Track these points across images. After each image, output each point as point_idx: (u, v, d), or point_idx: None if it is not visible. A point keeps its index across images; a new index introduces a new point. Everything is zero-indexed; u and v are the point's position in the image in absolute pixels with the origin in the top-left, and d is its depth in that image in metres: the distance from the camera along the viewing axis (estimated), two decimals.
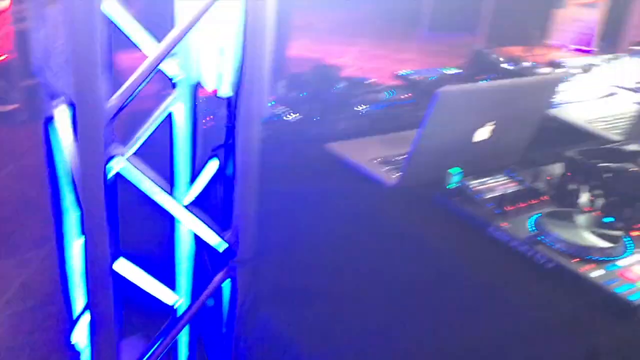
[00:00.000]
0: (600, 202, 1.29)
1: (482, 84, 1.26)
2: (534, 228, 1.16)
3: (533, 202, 1.28)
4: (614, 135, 1.90)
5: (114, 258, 0.94)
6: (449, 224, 1.24)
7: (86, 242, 0.90)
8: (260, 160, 1.01)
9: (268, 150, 1.02)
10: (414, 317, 1.00)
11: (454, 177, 1.25)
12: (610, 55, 2.43)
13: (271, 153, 1.07)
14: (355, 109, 1.76)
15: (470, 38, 4.31)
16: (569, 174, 1.38)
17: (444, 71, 2.14)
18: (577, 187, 1.32)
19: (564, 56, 2.39)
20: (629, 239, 1.16)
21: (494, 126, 1.39)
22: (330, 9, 6.35)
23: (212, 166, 1.06)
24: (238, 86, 0.93)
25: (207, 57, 0.96)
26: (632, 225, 1.20)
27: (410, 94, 1.90)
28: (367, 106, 1.77)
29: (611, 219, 1.23)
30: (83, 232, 0.90)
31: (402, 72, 2.11)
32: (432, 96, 1.21)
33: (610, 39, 2.71)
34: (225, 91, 0.96)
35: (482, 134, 1.39)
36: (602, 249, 1.09)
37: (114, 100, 0.84)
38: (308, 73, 1.82)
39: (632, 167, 1.31)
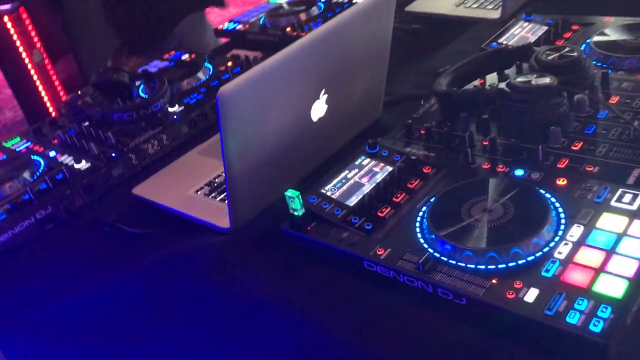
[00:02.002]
0: (499, 147, 0.91)
1: (270, 59, 0.82)
2: (421, 243, 0.78)
3: (412, 185, 0.89)
4: (491, 12, 1.50)
5: None
6: (310, 270, 0.84)
7: None
8: None
9: None
10: None
11: (295, 200, 0.84)
12: None
13: None
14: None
15: None
16: (446, 122, 0.99)
17: None
18: (465, 133, 0.93)
19: None
20: (552, 199, 0.79)
21: (326, 95, 0.97)
22: None
23: None
24: None
25: None
26: (555, 177, 0.83)
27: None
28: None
29: (520, 171, 0.86)
30: None
31: None
32: (216, 102, 0.78)
33: None
34: None
35: (319, 108, 0.98)
36: (524, 243, 0.72)
37: None
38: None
39: (522, 79, 0.92)
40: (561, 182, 0.82)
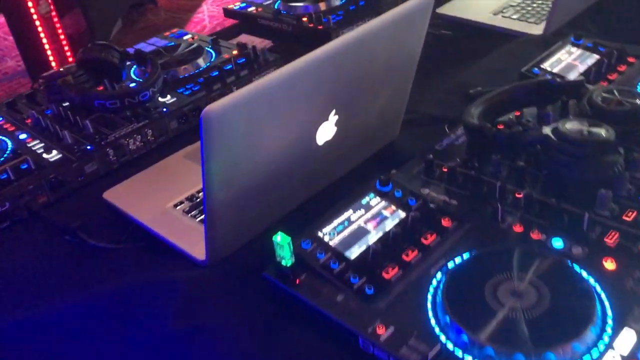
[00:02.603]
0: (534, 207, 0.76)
1: (269, 77, 0.67)
2: (432, 326, 0.63)
3: (428, 241, 0.74)
4: (532, 26, 1.34)
5: None
6: (295, 329, 0.70)
7: None
8: None
9: None
10: None
11: (284, 247, 0.70)
12: None
13: None
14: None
15: None
16: (474, 163, 0.84)
17: None
18: (497, 182, 0.78)
19: None
20: (597, 288, 0.64)
21: (336, 116, 0.82)
22: None
23: None
24: None
25: None
26: (602, 255, 0.68)
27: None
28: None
29: (559, 240, 0.71)
30: None
31: None
32: (200, 123, 0.63)
33: None
34: None
35: (327, 131, 0.83)
36: (560, 348, 0.57)
37: None
38: None
39: (576, 126, 0.77)
40: (609, 264, 0.67)
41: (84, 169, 1.03)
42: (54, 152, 1.04)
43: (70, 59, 3.02)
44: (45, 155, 1.03)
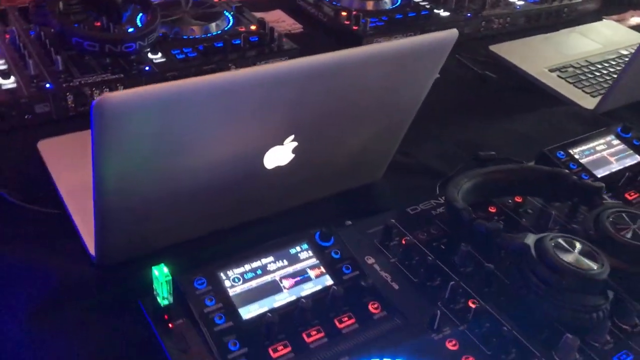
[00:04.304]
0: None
1: (197, 79, 0.54)
2: None
3: (342, 325, 0.60)
4: (586, 98, 1.16)
5: None
6: None
7: None
8: None
9: None
10: None
11: (162, 285, 0.57)
12: None
13: None
14: None
15: None
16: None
17: None
18: (450, 282, 0.64)
19: None
20: None
21: (295, 143, 0.68)
22: None
23: None
24: None
25: None
26: None
27: None
28: None
29: None
30: None
31: None
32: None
33: None
34: None
35: (280, 155, 0.69)
36: None
37: None
38: None
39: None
40: None
41: (34, 107, 0.92)
42: (12, 78, 0.94)
43: None
44: (0, 80, 0.93)
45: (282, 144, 0.67)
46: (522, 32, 1.41)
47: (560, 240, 0.61)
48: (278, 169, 0.70)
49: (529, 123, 1.08)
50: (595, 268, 0.59)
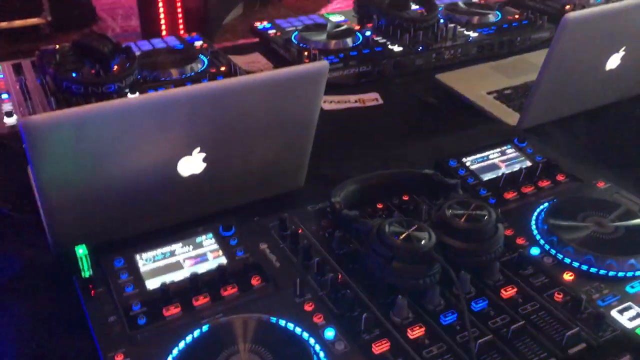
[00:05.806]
0: None
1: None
2: None
3: (227, 291, 0.77)
4: (510, 116, 1.30)
5: None
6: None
7: None
8: None
9: None
10: None
11: (83, 260, 0.76)
12: None
13: None
14: None
15: None
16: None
17: None
18: (315, 259, 0.80)
19: None
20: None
21: (203, 154, 0.87)
22: None
23: None
24: None
25: None
26: None
27: None
28: None
29: (331, 330, 0.71)
30: None
31: None
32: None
33: None
34: None
35: (191, 165, 0.88)
36: None
37: None
38: None
39: None
40: None
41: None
42: (14, 117, 1.17)
43: (182, 32, 3.25)
44: (5, 120, 1.16)
45: (191, 154, 0.86)
46: (475, 61, 1.56)
47: (396, 223, 0.77)
48: (194, 176, 0.89)
49: (454, 139, 1.23)
50: (424, 241, 0.74)
